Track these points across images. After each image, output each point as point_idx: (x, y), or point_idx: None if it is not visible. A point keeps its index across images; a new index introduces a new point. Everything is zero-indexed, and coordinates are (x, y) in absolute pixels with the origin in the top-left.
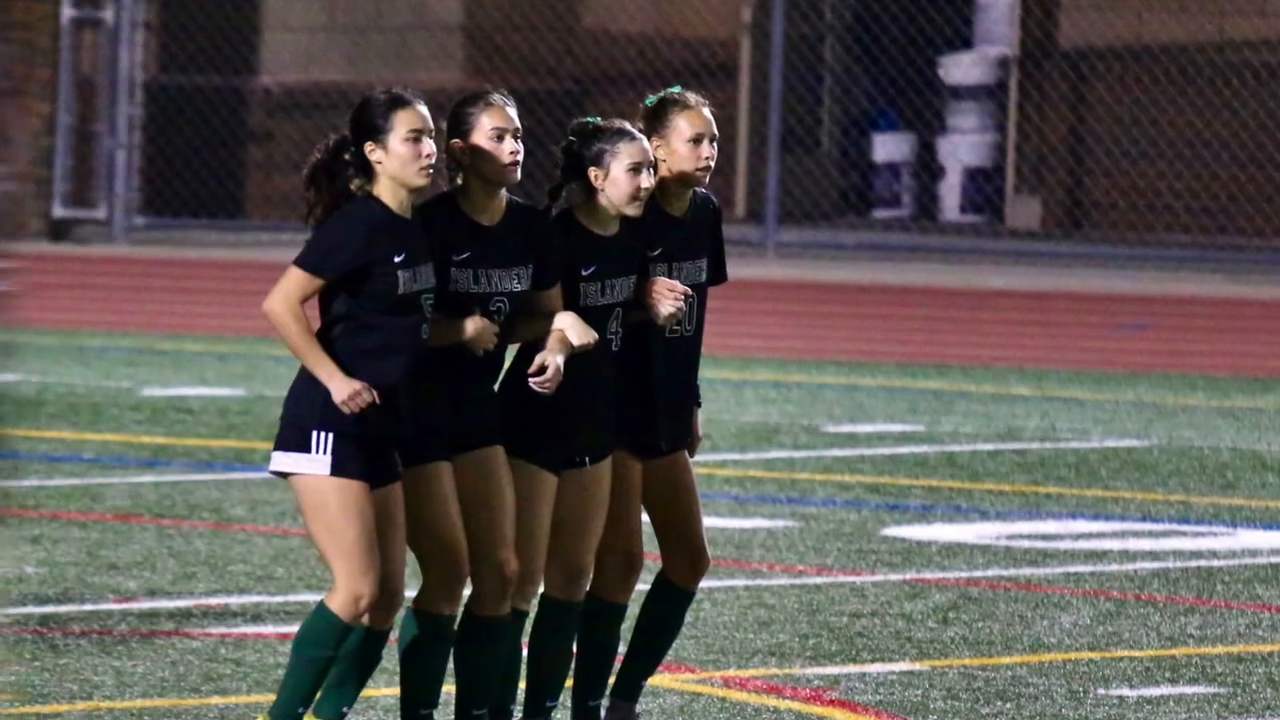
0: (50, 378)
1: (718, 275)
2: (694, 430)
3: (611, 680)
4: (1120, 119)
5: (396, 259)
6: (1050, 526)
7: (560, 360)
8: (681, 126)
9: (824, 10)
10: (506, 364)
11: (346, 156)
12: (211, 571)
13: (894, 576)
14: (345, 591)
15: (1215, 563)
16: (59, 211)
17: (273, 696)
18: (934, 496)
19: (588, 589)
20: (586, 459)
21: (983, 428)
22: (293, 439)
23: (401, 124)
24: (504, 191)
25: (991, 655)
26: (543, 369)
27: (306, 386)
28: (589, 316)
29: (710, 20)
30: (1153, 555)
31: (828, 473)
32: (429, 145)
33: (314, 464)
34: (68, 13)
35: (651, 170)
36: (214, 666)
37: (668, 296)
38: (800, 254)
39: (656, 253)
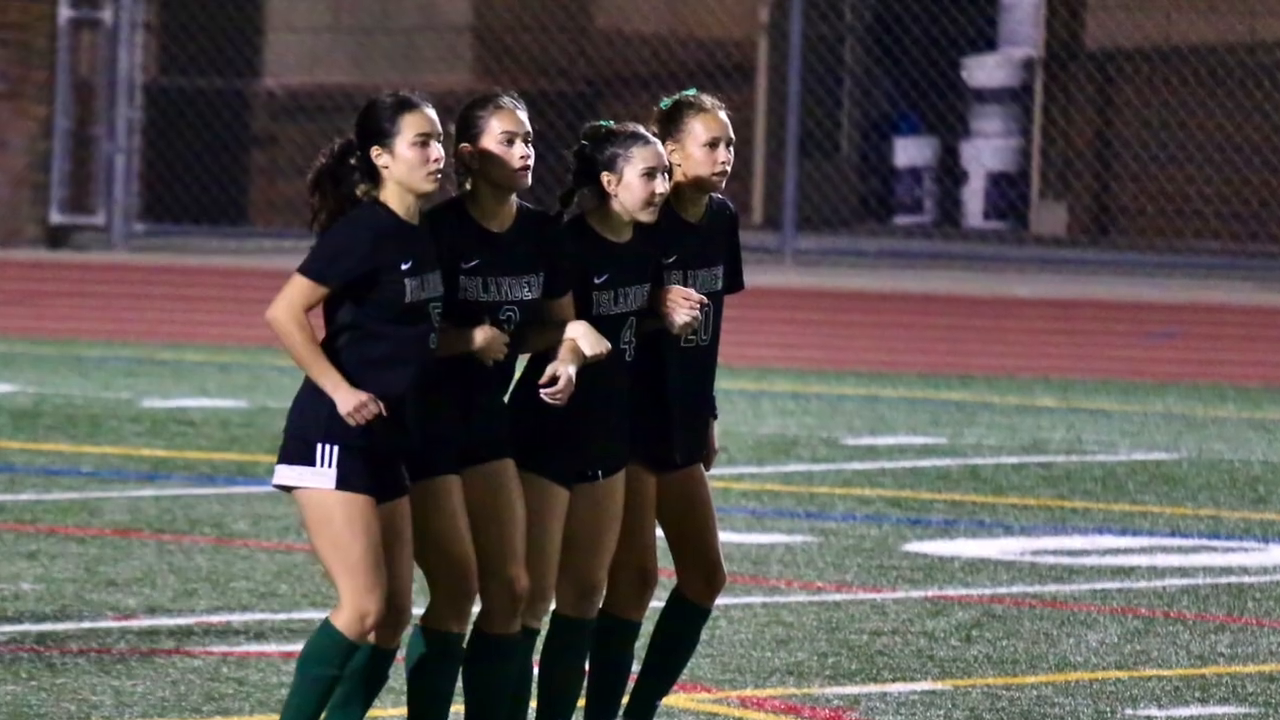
0: (47, 389)
1: (734, 283)
2: (710, 443)
3: (625, 700)
4: (1148, 122)
5: (403, 266)
6: (1076, 542)
7: (572, 371)
8: (697, 130)
9: (844, 10)
10: (517, 374)
11: (352, 161)
12: (213, 588)
13: (916, 593)
14: (351, 609)
15: (1246, 579)
16: (56, 218)
17: (276, 717)
18: (957, 511)
19: (600, 606)
20: (599, 472)
21: (1007, 440)
22: (297, 452)
23: (408, 128)
24: (514, 197)
25: (1016, 674)
26: (554, 379)
27: (311, 398)
28: (602, 325)
29: (726, 21)
30: (1182, 571)
31: (847, 486)
32: (437, 149)
33: (319, 477)
34: (65, 13)
35: (666, 175)
36: (216, 686)
37: (683, 305)
38: (819, 261)
39: (671, 260)
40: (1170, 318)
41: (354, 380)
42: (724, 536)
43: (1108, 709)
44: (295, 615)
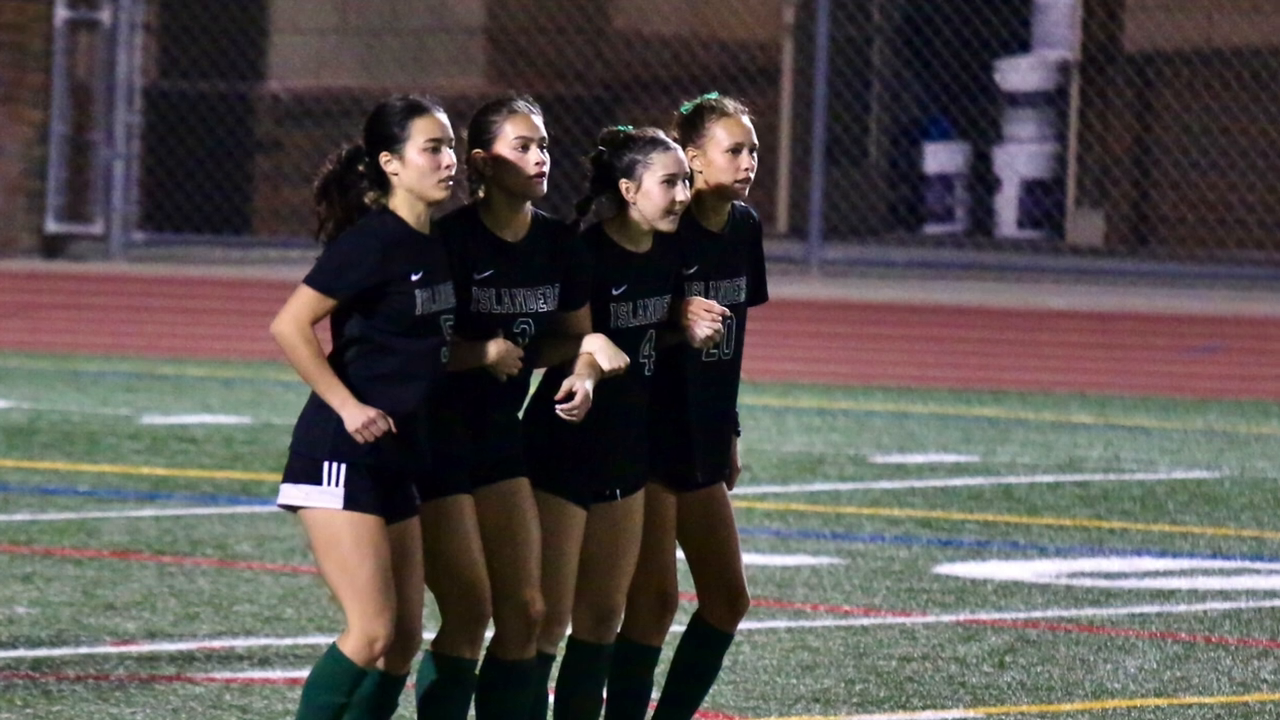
0: (43, 405)
1: (758, 295)
2: (732, 461)
3: None
4: (1189, 127)
5: (414, 277)
6: (1114, 564)
7: (589, 386)
8: (719, 135)
9: (872, 11)
10: (531, 390)
11: (360, 168)
12: (215, 612)
13: (947, 617)
14: (359, 633)
15: None
16: (52, 227)
17: None
18: (989, 532)
19: (618, 631)
20: (617, 491)
21: (1042, 458)
22: (303, 470)
23: (419, 133)
24: (529, 205)
25: (1051, 702)
26: (570, 395)
27: (317, 414)
28: (620, 339)
29: (750, 22)
30: (1224, 595)
31: (876, 506)
32: (448, 156)
33: (325, 497)
34: (62, 14)
35: (687, 182)
36: (218, 714)
37: (704, 317)
38: (846, 272)
39: (692, 271)
40: (1212, 331)
41: (362, 395)
42: (747, 558)
43: None
44: (301, 640)
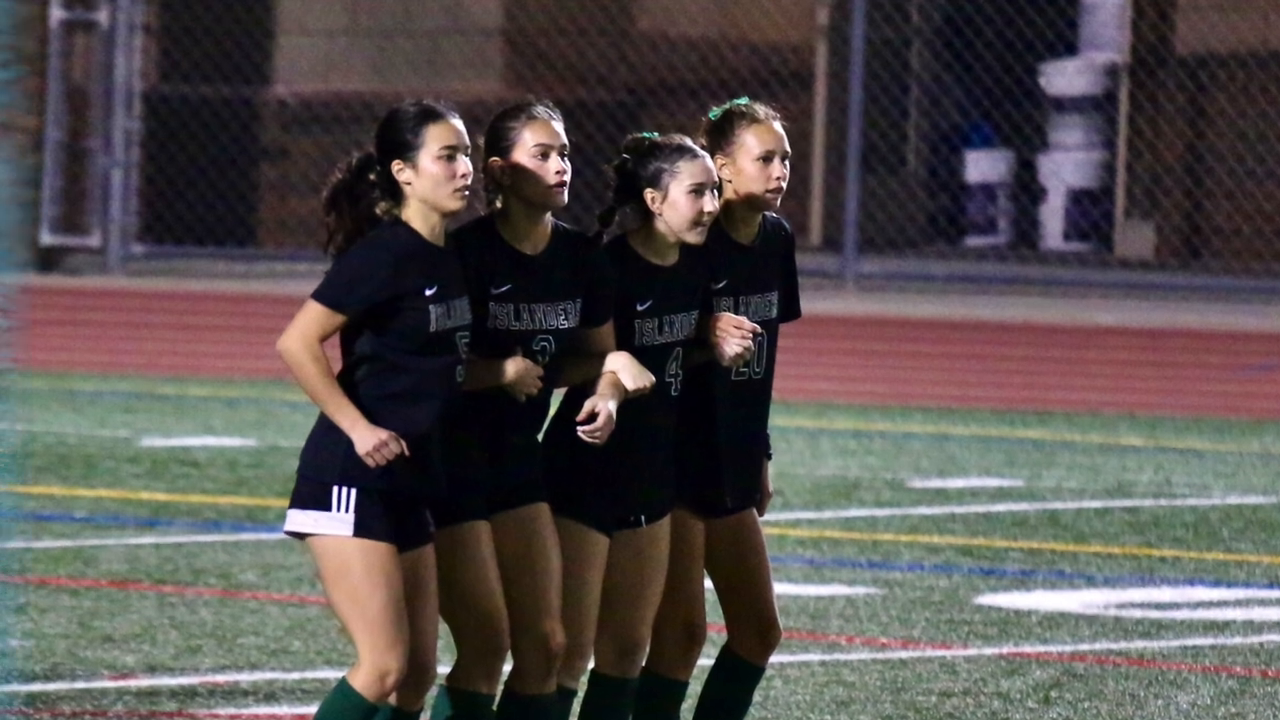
0: (38, 426)
1: (790, 310)
2: (763, 485)
3: None
4: (1244, 134)
5: (427, 292)
6: (1165, 594)
7: (612, 406)
8: (749, 143)
9: (910, 11)
10: (552, 411)
11: (371, 176)
12: (219, 645)
13: (989, 650)
14: (370, 667)
15: None
16: (47, 238)
17: None
18: (1034, 560)
19: (643, 664)
20: (642, 518)
21: (1089, 482)
22: (311, 495)
23: (433, 140)
24: (549, 216)
25: None
26: (593, 416)
27: (326, 436)
28: (645, 357)
29: (782, 23)
30: None
31: (914, 533)
32: (464, 164)
33: (335, 523)
34: (57, 14)
35: (715, 192)
36: None
37: (734, 334)
38: (883, 286)
39: (721, 285)
40: (1268, 348)
41: (373, 416)
42: (779, 588)
43: None
44: (309, 674)
